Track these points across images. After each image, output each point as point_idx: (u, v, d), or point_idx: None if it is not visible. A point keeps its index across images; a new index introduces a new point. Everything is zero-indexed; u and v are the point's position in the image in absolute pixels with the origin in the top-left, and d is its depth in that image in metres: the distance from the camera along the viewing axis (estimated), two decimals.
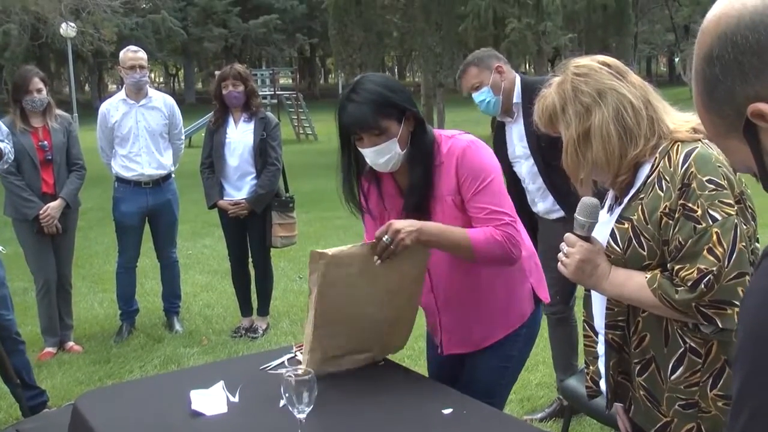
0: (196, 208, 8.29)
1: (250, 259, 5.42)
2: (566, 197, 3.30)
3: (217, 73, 5.77)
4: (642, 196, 1.77)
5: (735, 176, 1.70)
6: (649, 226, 1.73)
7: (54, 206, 4.75)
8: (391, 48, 32.66)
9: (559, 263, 1.87)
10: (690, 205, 1.66)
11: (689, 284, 1.65)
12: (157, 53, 37.60)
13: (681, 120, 1.82)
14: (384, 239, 2.17)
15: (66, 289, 5.09)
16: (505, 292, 2.44)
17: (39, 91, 4.66)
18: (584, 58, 1.89)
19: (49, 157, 4.75)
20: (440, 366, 2.62)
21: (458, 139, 2.34)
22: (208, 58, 45.35)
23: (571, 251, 1.83)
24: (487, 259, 2.29)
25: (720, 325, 1.65)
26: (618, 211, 1.83)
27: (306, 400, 1.89)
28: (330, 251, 2.20)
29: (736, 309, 1.62)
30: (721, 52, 0.91)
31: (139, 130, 5.20)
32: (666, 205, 1.71)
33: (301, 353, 2.40)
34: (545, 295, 2.54)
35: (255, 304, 5.49)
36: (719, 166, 1.68)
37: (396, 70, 58.64)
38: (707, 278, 1.63)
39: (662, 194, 1.72)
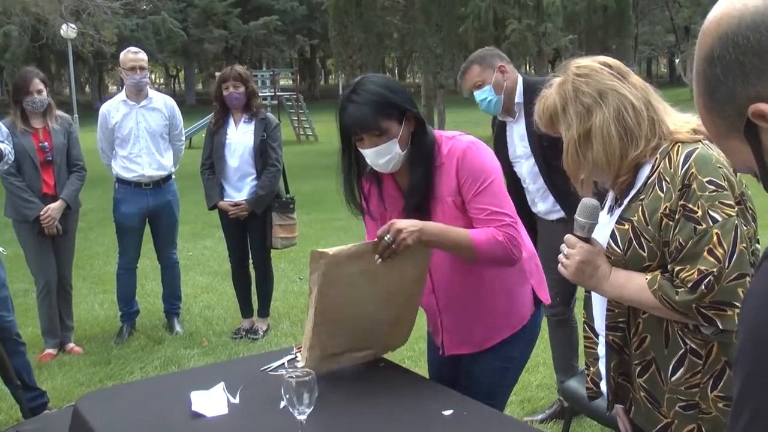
0: (197, 209, 8.29)
1: (251, 261, 5.42)
2: (567, 197, 3.30)
3: (217, 74, 5.77)
4: (642, 197, 1.77)
5: (735, 177, 1.70)
6: (649, 227, 1.73)
7: (54, 207, 4.75)
8: (391, 49, 32.66)
9: (560, 264, 1.87)
10: (690, 206, 1.66)
11: (689, 285, 1.65)
12: (157, 54, 37.62)
13: (681, 121, 1.82)
14: (386, 238, 2.17)
15: (66, 290, 5.09)
16: (505, 293, 2.44)
17: (39, 92, 4.66)
18: (585, 58, 1.89)
19: (50, 158, 4.75)
20: (441, 367, 2.62)
21: (459, 140, 2.34)
22: (208, 60, 45.38)
23: (571, 252, 1.83)
24: (488, 260, 2.29)
25: (720, 327, 1.65)
26: (618, 212, 1.83)
27: (306, 402, 1.89)
28: (331, 251, 2.19)
29: (737, 310, 1.62)
30: (722, 52, 0.91)
31: (139, 131, 5.20)
32: (666, 206, 1.70)
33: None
34: (546, 297, 2.54)
35: (255, 305, 5.49)
36: (720, 167, 1.68)
37: (396, 71, 58.65)
38: (707, 279, 1.63)
39: (662, 195, 1.72)
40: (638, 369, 1.82)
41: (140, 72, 5.16)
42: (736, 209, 1.66)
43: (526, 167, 3.66)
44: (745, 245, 1.65)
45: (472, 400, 2.20)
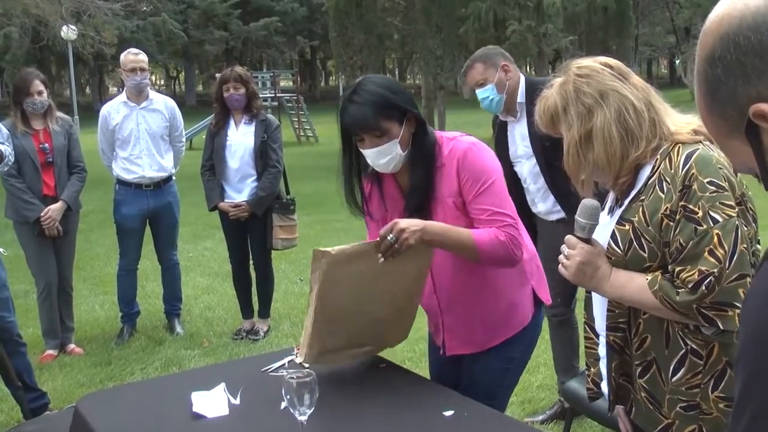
0: (197, 210, 8.29)
1: (251, 262, 5.42)
2: (567, 198, 3.30)
3: (217, 75, 5.77)
4: (643, 197, 1.76)
5: (736, 178, 1.70)
6: (649, 227, 1.73)
7: (55, 209, 4.75)
8: (391, 50, 32.63)
9: (560, 265, 1.87)
10: (691, 206, 1.66)
11: (690, 286, 1.65)
12: (157, 56, 37.63)
13: (682, 122, 1.82)
14: (388, 238, 2.17)
15: (67, 291, 5.09)
16: (506, 294, 2.44)
17: (40, 93, 4.67)
18: (586, 59, 1.88)
19: (50, 160, 4.75)
20: (441, 368, 2.62)
21: (459, 140, 2.35)
22: (208, 61, 45.42)
23: (571, 253, 1.83)
24: (490, 260, 2.29)
25: (721, 327, 1.65)
26: (619, 212, 1.83)
27: (307, 403, 1.89)
28: (332, 250, 2.19)
29: (737, 311, 1.62)
30: (723, 53, 0.91)
31: (140, 132, 5.20)
32: (667, 207, 1.70)
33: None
34: (546, 297, 2.54)
35: (256, 306, 5.49)
36: (720, 168, 1.68)
37: (397, 72, 58.65)
38: (708, 280, 1.63)
39: (663, 196, 1.72)
40: (639, 369, 1.82)
41: (141, 73, 5.17)
42: (736, 210, 1.66)
43: (527, 167, 3.66)
44: (745, 246, 1.65)
45: (472, 400, 2.20)
